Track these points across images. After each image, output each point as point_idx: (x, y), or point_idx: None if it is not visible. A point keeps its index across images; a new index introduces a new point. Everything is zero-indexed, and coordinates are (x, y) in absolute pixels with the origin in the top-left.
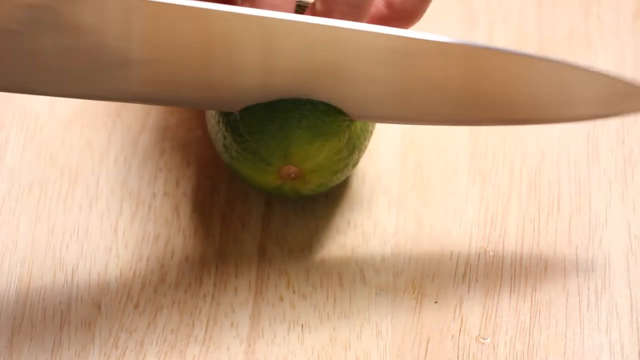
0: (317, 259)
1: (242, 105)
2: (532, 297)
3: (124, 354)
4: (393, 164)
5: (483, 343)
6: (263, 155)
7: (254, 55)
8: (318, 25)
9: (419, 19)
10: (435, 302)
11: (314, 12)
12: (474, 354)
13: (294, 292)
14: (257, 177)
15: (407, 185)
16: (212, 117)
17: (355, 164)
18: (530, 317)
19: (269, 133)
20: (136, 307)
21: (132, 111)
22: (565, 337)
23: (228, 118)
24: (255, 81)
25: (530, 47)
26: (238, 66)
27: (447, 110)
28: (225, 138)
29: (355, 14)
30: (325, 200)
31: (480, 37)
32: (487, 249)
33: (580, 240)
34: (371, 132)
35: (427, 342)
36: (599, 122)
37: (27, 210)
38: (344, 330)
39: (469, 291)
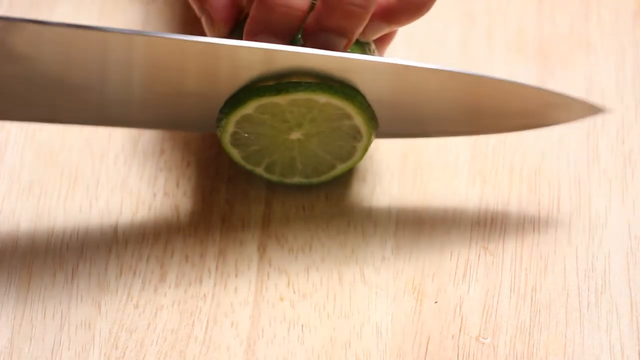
0: (317, 259)
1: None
2: (532, 297)
3: (124, 354)
4: (393, 164)
5: (483, 343)
6: None
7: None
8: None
9: (427, 10)
10: (435, 302)
11: (315, 11)
12: (474, 354)
13: (294, 292)
14: None
15: (407, 185)
16: None
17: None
18: (530, 317)
19: None
20: (136, 307)
21: None
22: (565, 337)
23: None
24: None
25: (530, 47)
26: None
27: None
28: None
29: (358, 16)
30: (325, 200)
31: (480, 37)
32: (487, 248)
33: (580, 240)
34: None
35: (427, 342)
36: (599, 122)
37: (27, 210)
38: (344, 330)
39: (469, 291)
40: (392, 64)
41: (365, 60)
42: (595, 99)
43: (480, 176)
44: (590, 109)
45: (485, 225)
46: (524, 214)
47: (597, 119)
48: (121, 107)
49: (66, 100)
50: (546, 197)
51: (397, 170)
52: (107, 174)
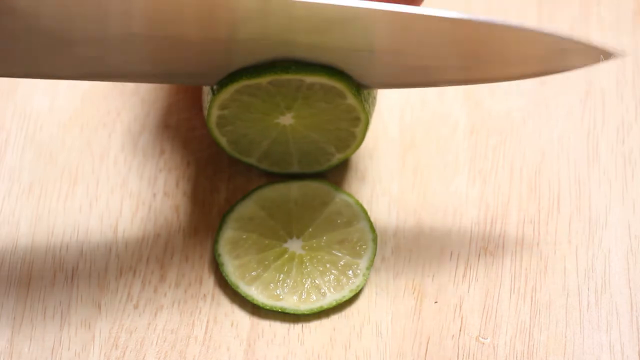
0: None
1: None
2: (532, 297)
3: (124, 354)
4: (393, 164)
5: (483, 343)
6: None
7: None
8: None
9: None
10: (435, 302)
11: None
12: (474, 354)
13: None
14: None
15: (407, 185)
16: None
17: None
18: (530, 317)
19: None
20: (136, 307)
21: (132, 111)
22: (565, 337)
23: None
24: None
25: None
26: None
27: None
28: None
29: None
30: None
31: None
32: (487, 248)
33: (580, 240)
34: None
35: (427, 342)
36: (599, 122)
37: (27, 210)
38: (344, 330)
39: (469, 291)
40: (393, 12)
41: (366, 7)
42: (595, 99)
43: (480, 176)
44: (598, 55)
45: (485, 225)
46: (524, 214)
47: (597, 119)
48: (122, 57)
49: (67, 54)
50: (546, 197)
51: (397, 170)
52: (107, 174)
